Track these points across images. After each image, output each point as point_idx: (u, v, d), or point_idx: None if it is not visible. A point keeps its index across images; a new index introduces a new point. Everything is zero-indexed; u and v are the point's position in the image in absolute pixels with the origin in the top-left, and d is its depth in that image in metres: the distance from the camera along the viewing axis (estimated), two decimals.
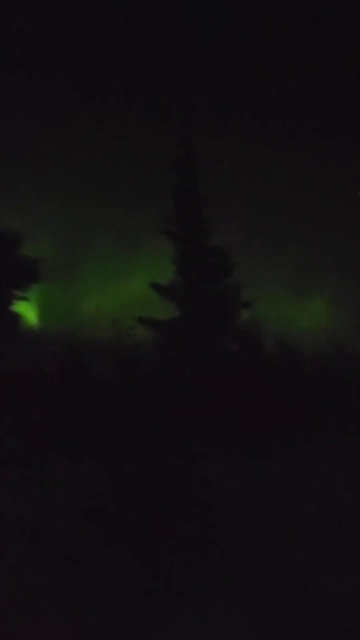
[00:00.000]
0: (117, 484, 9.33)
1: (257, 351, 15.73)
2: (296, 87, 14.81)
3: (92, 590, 6.05)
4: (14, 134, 14.54)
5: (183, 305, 15.62)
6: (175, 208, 15.70)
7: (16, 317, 12.91)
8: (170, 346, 15.45)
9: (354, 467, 10.54)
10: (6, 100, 14.02)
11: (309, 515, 8.08)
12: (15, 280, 12.71)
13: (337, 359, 15.86)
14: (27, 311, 13.73)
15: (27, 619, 5.49)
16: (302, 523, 7.81)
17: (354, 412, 13.74)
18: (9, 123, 13.87)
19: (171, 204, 15.76)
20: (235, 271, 15.63)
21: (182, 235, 15.59)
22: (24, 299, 13.14)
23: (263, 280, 16.20)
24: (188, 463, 10.47)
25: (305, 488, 9.24)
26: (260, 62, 14.51)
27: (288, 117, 15.66)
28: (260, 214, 16.65)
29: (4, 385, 13.54)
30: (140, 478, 9.62)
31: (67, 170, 15.60)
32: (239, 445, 11.82)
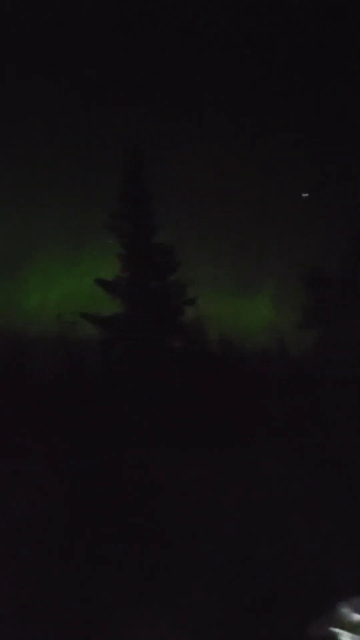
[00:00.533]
0: (59, 480, 9.32)
1: (200, 348, 15.97)
2: (242, 82, 15.04)
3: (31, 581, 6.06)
4: None
5: (127, 302, 15.66)
6: (121, 204, 15.69)
7: None
8: (114, 342, 15.48)
9: (292, 460, 10.92)
10: None
11: (252, 510, 8.36)
12: None
13: (278, 356, 16.28)
14: None
15: None
16: (246, 517, 8.07)
17: (293, 407, 14.15)
18: None
19: (118, 201, 15.74)
20: (179, 269, 15.77)
21: (128, 232, 15.60)
22: None
23: (207, 279, 16.40)
24: (130, 459, 10.57)
25: (247, 483, 9.52)
26: (202, 57, 14.67)
27: (235, 115, 15.87)
28: (205, 212, 16.82)
29: None
30: (81, 474, 9.64)
31: (12, 165, 15.31)
32: (182, 441, 12.00)
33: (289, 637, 5.09)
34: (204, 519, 8.16)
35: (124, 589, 6.11)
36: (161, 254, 15.70)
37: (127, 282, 15.56)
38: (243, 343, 16.37)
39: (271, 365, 16.38)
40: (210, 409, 13.93)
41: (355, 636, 4.98)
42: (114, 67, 15.02)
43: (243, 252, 17.56)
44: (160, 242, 15.74)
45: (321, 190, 17.06)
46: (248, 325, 16.85)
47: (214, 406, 14.04)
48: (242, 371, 16.09)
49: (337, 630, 5.03)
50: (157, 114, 16.04)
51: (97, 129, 15.48)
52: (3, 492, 8.86)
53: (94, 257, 16.05)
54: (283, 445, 12.00)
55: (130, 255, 15.58)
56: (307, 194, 16.61)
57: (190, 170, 16.25)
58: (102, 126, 15.53)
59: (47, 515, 8.03)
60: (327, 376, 15.35)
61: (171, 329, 15.77)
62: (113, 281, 15.48)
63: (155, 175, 15.82)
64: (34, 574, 6.31)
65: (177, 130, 15.82)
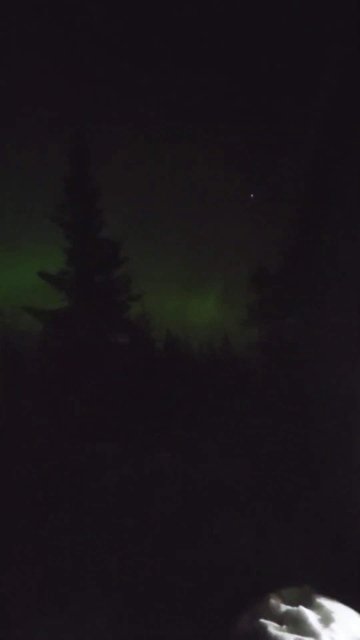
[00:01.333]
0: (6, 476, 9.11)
1: (145, 344, 15.97)
2: (194, 81, 15.03)
3: None
4: None
5: (72, 296, 15.46)
6: (67, 196, 15.46)
7: None
8: (57, 336, 15.26)
9: (236, 455, 11.05)
10: None
11: (181, 507, 8.41)
12: None
13: (221, 352, 16.49)
14: None
15: None
16: (174, 515, 8.10)
17: (236, 402, 14.35)
18: None
19: (64, 192, 15.51)
20: (126, 264, 15.69)
21: (74, 225, 15.40)
22: None
23: (153, 275, 16.36)
24: (68, 454, 10.44)
25: (192, 478, 9.57)
26: (152, 53, 14.58)
27: (184, 107, 15.84)
28: (153, 207, 16.75)
29: None
30: (24, 470, 9.46)
31: None
32: (125, 437, 11.97)
33: (215, 631, 5.12)
34: (134, 514, 8.17)
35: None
36: (107, 248, 15.57)
37: (72, 275, 15.34)
38: (188, 340, 16.50)
39: (215, 362, 16.59)
40: (154, 404, 13.97)
41: (284, 627, 5.05)
42: (65, 58, 14.73)
43: (190, 249, 17.61)
44: (107, 236, 15.62)
45: (268, 189, 17.29)
46: (194, 322, 16.96)
47: (159, 401, 14.09)
48: (187, 368, 16.22)
49: (266, 622, 5.09)
50: (105, 104, 15.84)
51: (43, 117, 15.15)
52: None
53: (38, 249, 15.73)
54: (223, 443, 12.15)
55: (75, 249, 15.36)
56: (253, 194, 16.79)
57: (139, 164, 16.16)
58: (48, 115, 15.20)
59: None
60: (269, 374, 15.64)
61: (116, 325, 15.68)
62: (57, 274, 15.23)
63: (102, 168, 15.67)
64: None
65: (124, 122, 15.68)
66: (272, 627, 4.96)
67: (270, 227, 16.98)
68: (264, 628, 4.98)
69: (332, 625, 4.98)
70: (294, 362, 14.15)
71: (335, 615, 5.10)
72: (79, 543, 7.32)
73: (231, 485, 9.40)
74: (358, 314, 7.11)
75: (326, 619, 5.07)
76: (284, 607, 5.23)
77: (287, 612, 5.18)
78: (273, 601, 5.27)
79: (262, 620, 5.07)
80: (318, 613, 5.16)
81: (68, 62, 14.92)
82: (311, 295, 11.89)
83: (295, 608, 5.18)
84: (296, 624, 4.97)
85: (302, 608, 5.16)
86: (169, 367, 16.06)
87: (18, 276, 15.96)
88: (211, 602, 5.59)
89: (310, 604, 5.29)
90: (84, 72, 14.77)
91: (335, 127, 8.89)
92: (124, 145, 15.96)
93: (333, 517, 6.93)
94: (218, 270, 17.85)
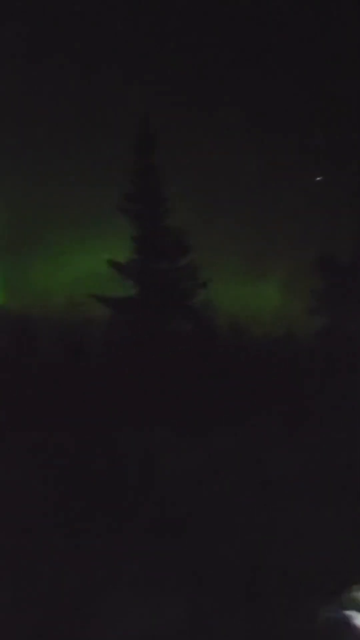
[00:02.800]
0: (64, 460, 9.42)
1: (209, 332, 16.03)
2: (258, 66, 14.89)
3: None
4: None
5: (139, 284, 15.71)
6: (133, 186, 15.65)
7: None
8: (124, 324, 15.56)
9: (297, 444, 10.99)
10: None
11: (256, 494, 8.45)
12: None
13: (285, 340, 16.36)
14: None
15: None
16: (251, 501, 8.15)
17: (299, 391, 14.23)
18: None
19: (130, 182, 15.71)
20: (191, 252, 15.79)
21: (140, 214, 15.59)
22: None
23: (218, 262, 16.42)
24: (136, 440, 10.64)
25: (251, 467, 9.61)
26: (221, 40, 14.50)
27: (249, 98, 15.74)
28: (218, 195, 16.78)
29: None
30: (86, 454, 9.74)
31: (23, 145, 15.25)
32: (188, 424, 12.08)
33: (300, 621, 5.22)
34: (208, 502, 8.24)
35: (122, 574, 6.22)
36: (173, 236, 15.68)
37: (139, 264, 15.57)
38: (252, 327, 16.45)
39: (279, 349, 16.44)
40: (217, 392, 14.00)
41: None
42: (127, 46, 14.87)
43: (255, 236, 17.57)
44: (173, 224, 15.73)
45: (334, 175, 16.99)
46: (258, 309, 16.93)
47: (221, 389, 14.11)
48: (250, 355, 16.15)
49: (349, 612, 5.16)
50: (172, 95, 15.93)
51: (111, 110, 15.38)
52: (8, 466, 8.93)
53: (107, 239, 16.07)
54: (286, 430, 12.06)
55: (142, 238, 15.57)
56: (319, 178, 16.52)
57: (203, 153, 16.19)
58: (115, 107, 15.43)
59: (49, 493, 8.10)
60: (334, 361, 15.43)
61: (181, 312, 15.83)
62: (125, 263, 15.50)
63: (168, 158, 15.78)
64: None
65: (190, 113, 15.72)
66: (356, 617, 5.03)
67: (337, 213, 16.71)
68: (348, 618, 5.05)
69: None
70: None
71: None
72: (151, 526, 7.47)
73: (304, 471, 9.39)
74: None
75: None
76: None
77: None
78: (357, 592, 5.32)
79: (346, 611, 5.13)
80: None
81: (131, 46, 15.05)
82: None
83: None
84: None
85: None
86: (232, 354, 16.04)
87: (86, 264, 16.39)
88: (297, 593, 5.70)
89: None
90: (151, 62, 14.90)
91: None
92: (189, 133, 16.03)
93: None
94: (282, 256, 17.76)
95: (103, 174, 16.01)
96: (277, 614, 5.63)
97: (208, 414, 12.85)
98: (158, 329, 15.36)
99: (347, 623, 5.13)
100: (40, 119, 15.32)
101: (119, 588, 5.89)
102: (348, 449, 10.43)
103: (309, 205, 17.67)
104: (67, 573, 6.11)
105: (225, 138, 16.40)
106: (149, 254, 15.61)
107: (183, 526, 7.31)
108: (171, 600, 5.72)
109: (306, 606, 5.45)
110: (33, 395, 12.75)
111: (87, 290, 15.41)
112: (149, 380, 13.71)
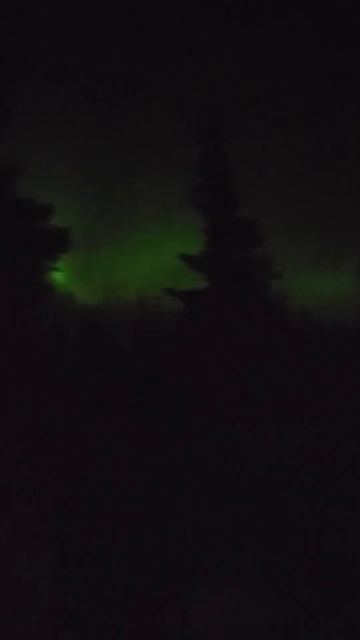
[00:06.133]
0: (141, 453, 9.48)
1: (284, 324, 15.75)
2: (333, 57, 14.40)
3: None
4: (47, 105, 14.40)
5: (211, 276, 15.61)
6: (203, 178, 15.55)
7: (47, 287, 13.04)
8: (197, 317, 15.50)
9: None
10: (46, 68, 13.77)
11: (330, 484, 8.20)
12: (46, 250, 12.77)
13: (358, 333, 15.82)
14: (59, 280, 13.89)
15: None
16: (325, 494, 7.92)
17: None
18: (40, 94, 13.72)
19: (200, 174, 15.62)
20: (263, 243, 15.53)
21: (211, 206, 15.47)
22: (55, 268, 13.24)
23: (290, 253, 16.07)
24: (210, 434, 10.58)
25: (330, 461, 9.34)
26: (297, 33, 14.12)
27: (325, 89, 15.28)
28: (289, 185, 16.40)
29: (28, 353, 13.65)
30: (162, 447, 9.76)
31: (97, 140, 15.45)
32: (261, 417, 11.93)
33: None
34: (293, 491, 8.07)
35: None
36: (244, 228, 15.48)
37: (211, 256, 15.47)
38: (328, 318, 16.02)
39: (351, 341, 15.94)
40: (291, 385, 13.77)
41: None
42: (196, 39, 14.74)
43: (327, 226, 17.08)
44: (244, 216, 15.52)
45: None
46: (333, 300, 16.46)
47: (295, 382, 13.86)
48: (327, 347, 15.76)
49: None
50: (241, 87, 15.69)
51: (180, 104, 15.32)
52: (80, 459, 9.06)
53: (178, 232, 16.05)
54: None
55: (213, 230, 15.46)
56: None
57: (273, 143, 15.86)
58: (185, 101, 15.36)
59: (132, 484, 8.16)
60: None
61: (255, 304, 15.61)
62: (197, 256, 15.44)
63: (237, 149, 15.57)
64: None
65: (260, 103, 15.43)
66: None
67: None
68: None
69: None
70: None
71: None
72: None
73: None
74: None
75: None
76: None
77: None
78: None
79: None
80: None
81: (201, 38, 14.91)
82: None
83: None
84: None
85: None
86: (308, 346, 15.70)
87: (158, 258, 16.44)
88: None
89: None
90: (223, 51, 14.70)
91: None
92: (259, 124, 15.75)
93: None
94: (354, 248, 17.16)
95: (173, 166, 15.97)
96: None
97: (285, 407, 12.66)
98: (231, 322, 15.21)
99: None
100: (111, 115, 15.46)
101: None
102: None
103: None
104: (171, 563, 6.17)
105: (299, 127, 15.99)
106: (221, 246, 15.48)
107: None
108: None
109: None
110: (106, 388, 12.94)
111: (159, 284, 15.47)
112: (223, 374, 13.64)
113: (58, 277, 14.07)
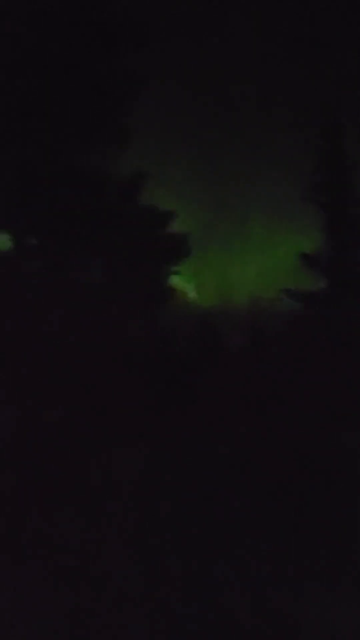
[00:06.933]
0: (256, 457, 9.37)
1: None
2: None
3: None
4: (168, 113, 14.68)
5: (329, 277, 15.24)
6: (322, 175, 15.20)
7: (169, 290, 13.31)
8: (317, 319, 15.18)
9: None
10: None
11: None
12: (168, 254, 13.04)
13: None
14: (180, 284, 14.12)
15: None
16: None
17: None
18: (161, 102, 13.97)
19: (318, 171, 15.28)
20: None
21: (330, 204, 15.10)
22: (176, 273, 13.48)
23: None
24: (329, 443, 10.25)
25: None
26: None
27: None
28: None
29: (150, 354, 13.94)
30: (279, 452, 9.60)
31: (214, 143, 15.53)
32: None
33: None
34: None
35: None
36: None
37: (329, 256, 15.10)
38: None
39: None
40: None
41: None
42: (317, 34, 14.40)
43: None
44: None
45: None
46: None
47: None
48: None
49: None
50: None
51: (298, 98, 15.05)
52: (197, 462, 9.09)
53: (295, 231, 15.80)
54: None
55: (332, 228, 15.07)
56: None
57: None
58: (302, 95, 15.06)
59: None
60: None
61: None
62: (315, 255, 15.13)
63: (357, 144, 15.06)
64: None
65: None
66: None
67: None
68: None
69: None
70: None
71: None
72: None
73: None
74: None
75: None
76: None
77: None
78: None
79: None
80: None
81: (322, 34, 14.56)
82: None
83: None
84: None
85: None
86: None
87: (274, 259, 16.28)
88: None
89: None
90: (342, 47, 14.28)
91: None
92: None
93: None
94: None
95: (289, 165, 15.73)
96: None
97: None
98: (351, 324, 14.74)
99: None
100: (226, 117, 15.47)
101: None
102: None
103: None
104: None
105: None
106: (340, 245, 15.06)
107: None
108: None
109: None
110: (219, 392, 12.94)
111: (275, 284, 15.29)
112: (342, 379, 13.23)
113: (176, 280, 14.32)
